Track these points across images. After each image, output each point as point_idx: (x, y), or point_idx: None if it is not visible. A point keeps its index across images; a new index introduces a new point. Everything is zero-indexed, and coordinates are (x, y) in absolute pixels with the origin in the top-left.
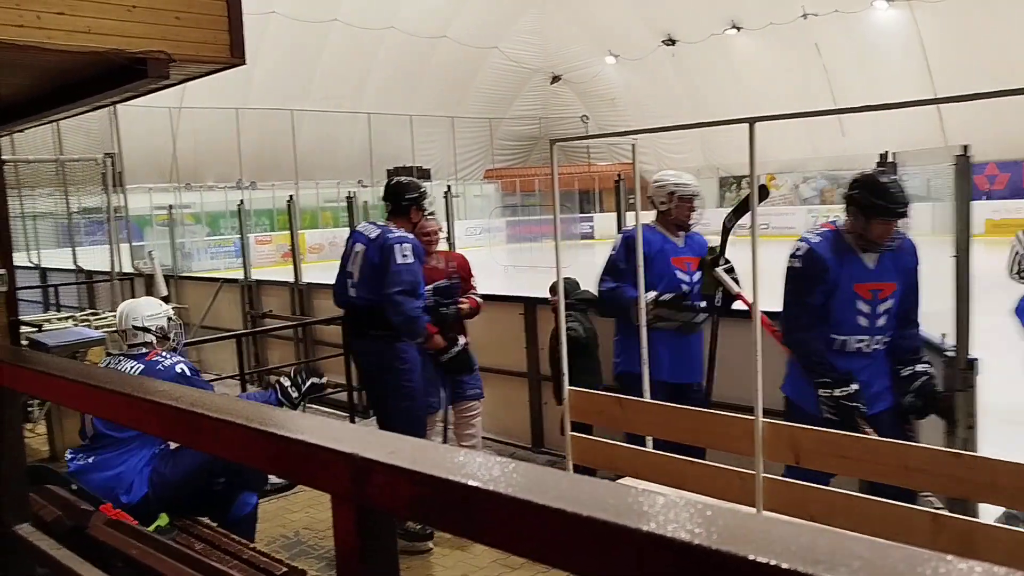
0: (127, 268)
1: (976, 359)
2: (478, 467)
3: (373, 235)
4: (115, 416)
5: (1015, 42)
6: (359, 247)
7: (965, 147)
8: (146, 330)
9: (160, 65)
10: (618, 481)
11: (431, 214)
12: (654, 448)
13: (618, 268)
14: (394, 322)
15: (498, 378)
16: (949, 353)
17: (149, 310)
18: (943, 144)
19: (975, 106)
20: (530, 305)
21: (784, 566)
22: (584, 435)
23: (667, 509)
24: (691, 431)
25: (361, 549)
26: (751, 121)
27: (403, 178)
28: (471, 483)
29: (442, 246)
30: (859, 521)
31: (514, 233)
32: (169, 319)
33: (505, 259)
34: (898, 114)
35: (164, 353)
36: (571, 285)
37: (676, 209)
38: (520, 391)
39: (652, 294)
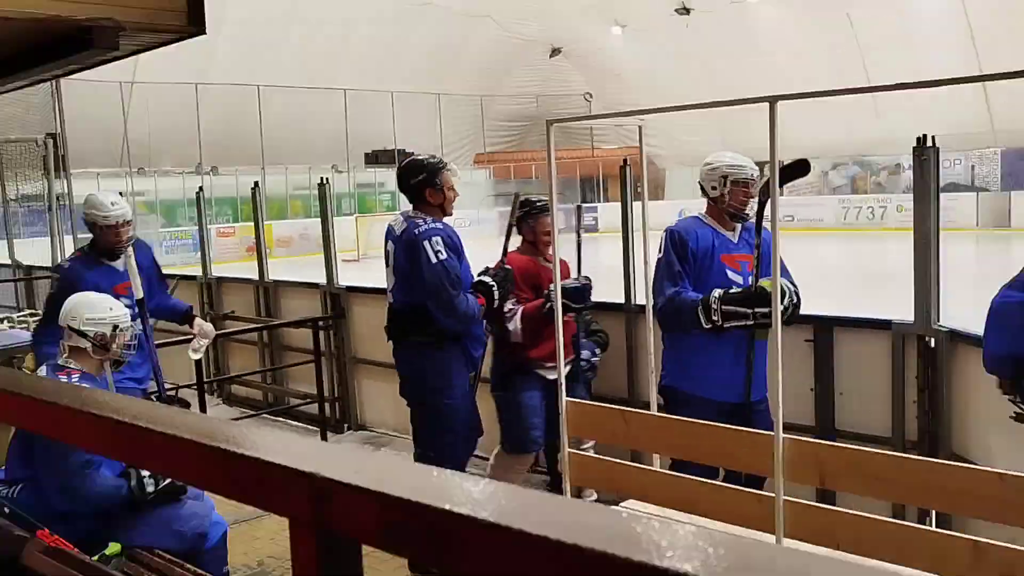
0: None
1: None
2: (455, 489)
3: (399, 231)
4: (48, 430)
5: None
6: (389, 245)
7: (924, 137)
8: (82, 334)
9: (108, 34)
10: (622, 504)
11: (539, 205)
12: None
13: (673, 271)
14: (450, 327)
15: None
16: None
17: (92, 312)
18: (990, 128)
19: None
20: None
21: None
22: (584, 452)
23: (662, 536)
24: (704, 449)
25: None
26: (772, 100)
27: (414, 158)
28: (446, 507)
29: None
30: (891, 549)
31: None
32: (116, 327)
33: (497, 254)
34: (940, 95)
35: (76, 376)
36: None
37: (730, 195)
38: None
39: (718, 291)
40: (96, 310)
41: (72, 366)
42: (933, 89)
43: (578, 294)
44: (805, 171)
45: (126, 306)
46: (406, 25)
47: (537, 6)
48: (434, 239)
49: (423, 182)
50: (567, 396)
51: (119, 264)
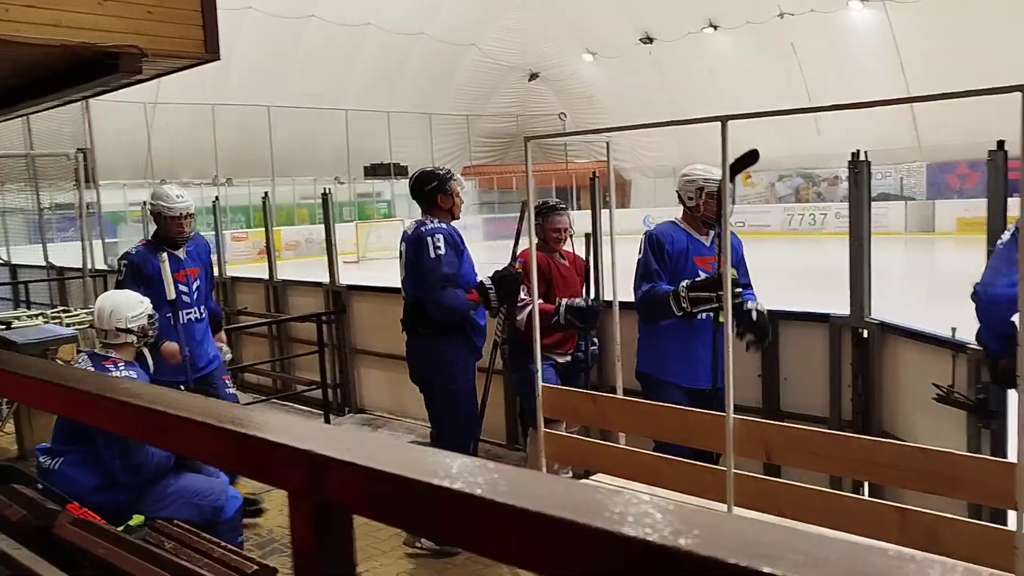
0: (100, 265)
1: None
2: (435, 464)
3: (410, 231)
4: (77, 414)
5: (987, 43)
6: (402, 246)
7: (857, 152)
8: (128, 331)
9: (132, 60)
10: (591, 478)
11: (562, 208)
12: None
13: (651, 269)
14: (439, 318)
15: None
16: (974, 346)
17: (132, 310)
18: (916, 144)
19: (947, 107)
20: None
21: (730, 560)
22: (557, 432)
23: (617, 505)
24: (664, 428)
25: (318, 546)
26: (723, 119)
27: (425, 168)
28: (427, 480)
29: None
30: (829, 516)
31: (491, 230)
32: (149, 316)
33: (482, 256)
34: (872, 114)
35: (121, 364)
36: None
37: (704, 205)
38: (495, 389)
39: (686, 282)
40: (134, 308)
41: (114, 355)
42: (866, 109)
43: (583, 315)
44: (754, 160)
45: (182, 292)
46: (401, 53)
47: (517, 36)
48: (436, 236)
49: (435, 189)
50: (568, 384)
51: (180, 253)
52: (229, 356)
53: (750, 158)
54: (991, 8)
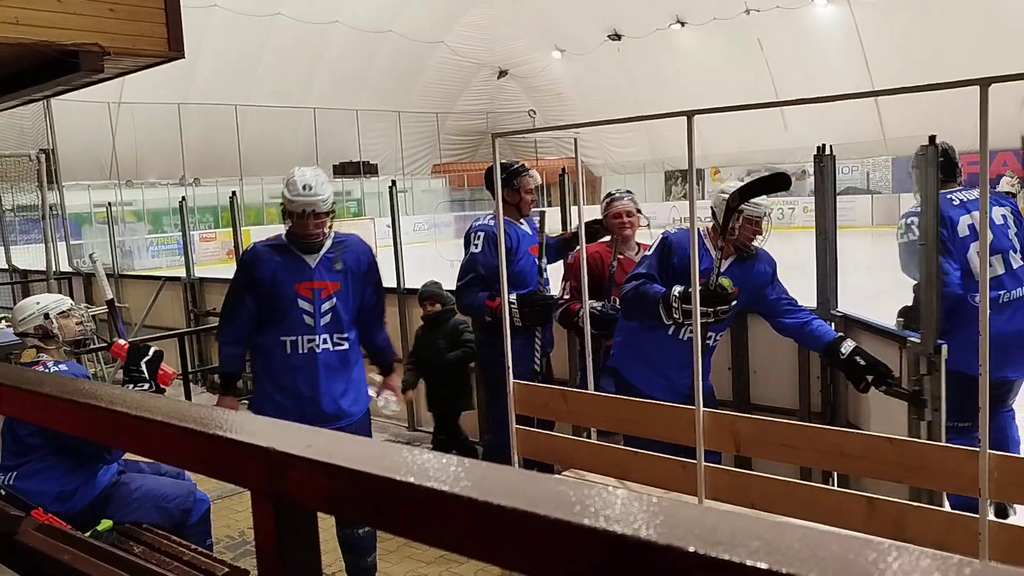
0: (64, 267)
1: (943, 343)
2: (395, 460)
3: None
4: (32, 417)
5: (950, 38)
6: None
7: (823, 146)
8: (25, 335)
9: (94, 58)
10: (564, 473)
11: (620, 195)
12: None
13: (650, 271)
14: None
15: None
16: (914, 339)
17: (23, 312)
18: (882, 139)
19: (912, 101)
20: None
21: (689, 548)
22: (529, 428)
23: (577, 496)
24: (634, 422)
25: (280, 545)
26: (689, 114)
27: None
28: (386, 475)
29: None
30: (797, 507)
31: (462, 228)
32: (45, 315)
33: (453, 254)
34: (838, 109)
35: (51, 364)
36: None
37: (741, 230)
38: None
39: (679, 288)
40: (26, 310)
41: (43, 358)
42: (832, 104)
43: (601, 323)
44: (786, 185)
45: (303, 311)
46: (369, 51)
47: (485, 33)
48: (479, 233)
49: (502, 183)
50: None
51: (311, 259)
52: (390, 407)
53: (780, 182)
54: (953, 5)
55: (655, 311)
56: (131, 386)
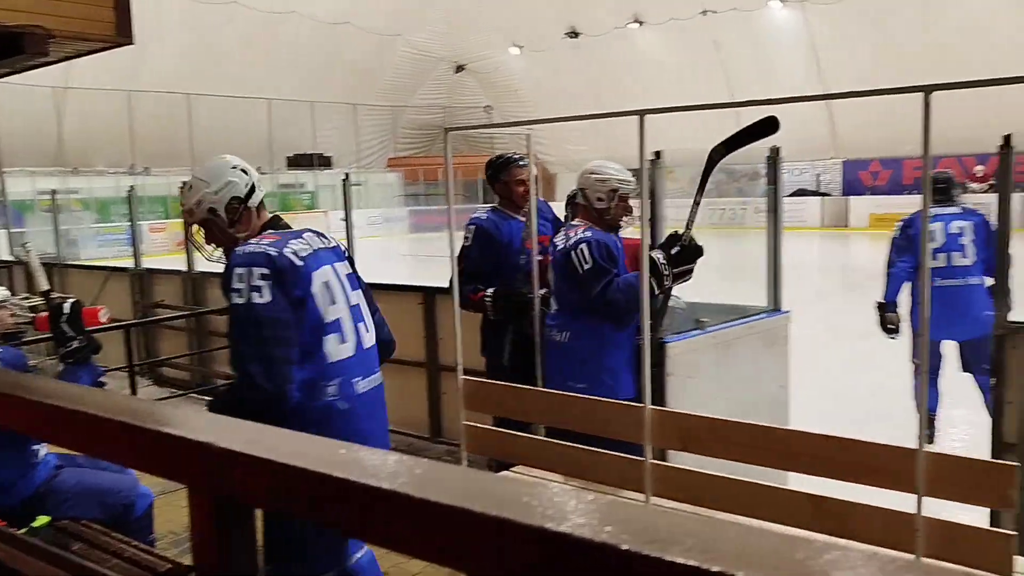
0: (4, 256)
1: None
2: (335, 456)
3: None
4: None
5: (899, 45)
6: None
7: (775, 148)
8: None
9: (38, 41)
10: (511, 470)
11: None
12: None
13: (606, 268)
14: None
15: (396, 368)
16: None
17: None
18: (832, 142)
19: (862, 105)
20: (429, 295)
21: (623, 547)
22: (478, 424)
23: (512, 493)
24: (583, 419)
25: (218, 542)
26: (641, 113)
27: (492, 156)
28: (326, 471)
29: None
30: (745, 505)
31: (417, 222)
32: None
33: (407, 248)
34: (791, 111)
35: None
36: None
37: (616, 209)
38: (418, 381)
39: (658, 254)
40: None
41: None
42: (785, 106)
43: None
44: (772, 128)
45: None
46: (326, 43)
47: (444, 28)
48: (468, 227)
49: (490, 179)
50: None
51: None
52: None
53: (766, 126)
54: (903, 10)
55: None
56: (64, 350)
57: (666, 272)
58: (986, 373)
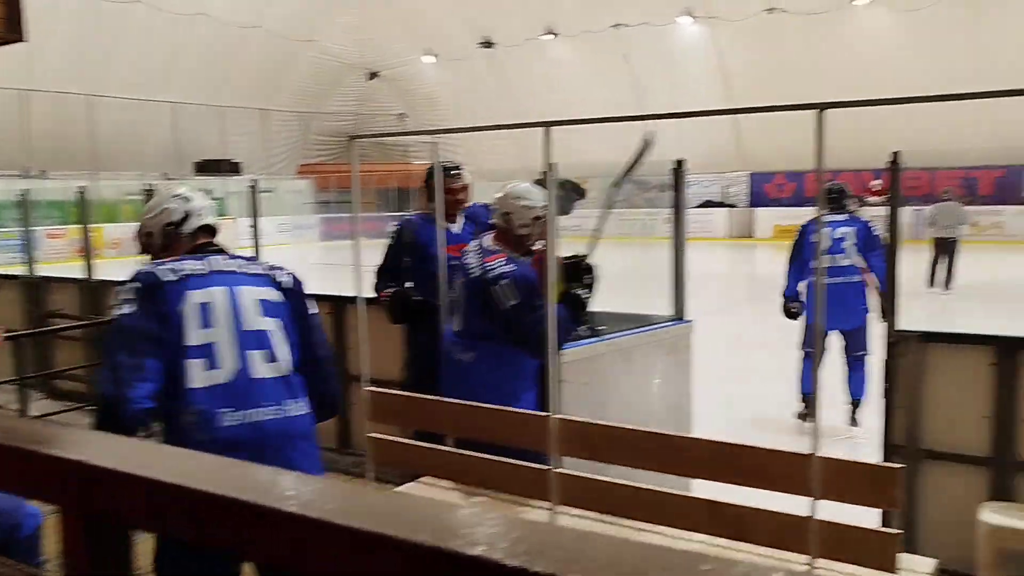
0: None
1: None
2: (212, 472)
3: None
4: None
5: (798, 62)
6: None
7: (679, 161)
8: None
9: None
10: (417, 481)
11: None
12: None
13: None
14: None
15: None
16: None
17: None
18: (738, 155)
19: (767, 121)
20: (339, 304)
21: (494, 558)
22: (384, 436)
23: (385, 507)
24: (488, 429)
25: (91, 566)
26: (547, 125)
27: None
28: (203, 489)
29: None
30: (647, 512)
31: (328, 230)
32: None
33: (317, 257)
34: (699, 125)
35: None
36: None
37: (536, 236)
38: None
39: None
40: None
41: None
42: (694, 120)
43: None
44: (651, 146)
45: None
46: (235, 45)
47: (356, 34)
48: (394, 226)
49: (426, 186)
50: None
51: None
52: None
53: (646, 145)
54: (803, 30)
55: (574, 313)
56: None
57: (587, 302)
58: (860, 357)
